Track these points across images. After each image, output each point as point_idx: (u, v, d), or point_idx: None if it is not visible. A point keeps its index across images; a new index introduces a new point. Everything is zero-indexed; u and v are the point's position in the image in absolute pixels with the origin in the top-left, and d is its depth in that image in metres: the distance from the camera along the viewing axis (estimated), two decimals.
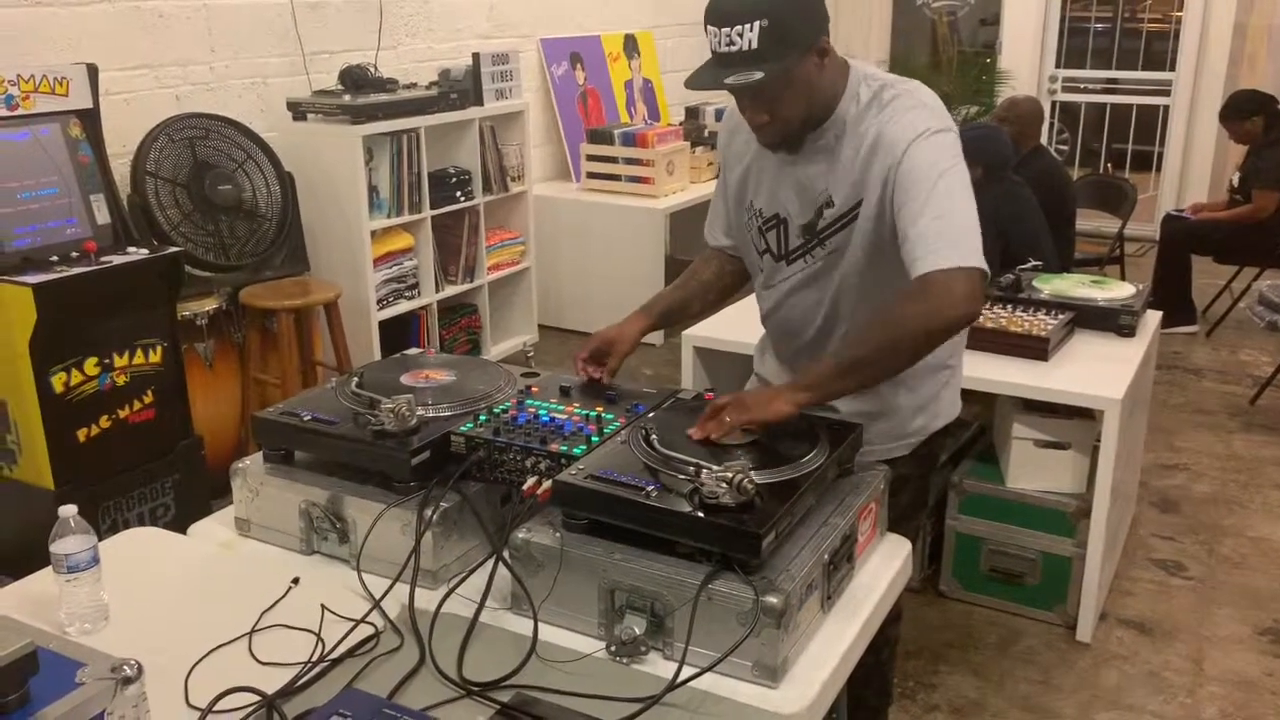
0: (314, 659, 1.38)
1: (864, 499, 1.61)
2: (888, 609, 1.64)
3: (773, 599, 1.32)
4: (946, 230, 1.65)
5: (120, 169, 3.51)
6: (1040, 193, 4.00)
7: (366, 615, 1.47)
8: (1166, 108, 7.30)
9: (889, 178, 1.73)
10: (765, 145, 1.85)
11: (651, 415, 1.70)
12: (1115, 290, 3.22)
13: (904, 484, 1.96)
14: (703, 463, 1.43)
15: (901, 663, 2.68)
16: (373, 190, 4.26)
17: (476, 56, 4.70)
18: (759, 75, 1.65)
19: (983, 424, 3.36)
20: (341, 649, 1.40)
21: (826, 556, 1.46)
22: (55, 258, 2.99)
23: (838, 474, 1.63)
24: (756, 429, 1.61)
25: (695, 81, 1.74)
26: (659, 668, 1.38)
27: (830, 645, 1.45)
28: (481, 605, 1.47)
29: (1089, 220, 5.61)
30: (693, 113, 6.43)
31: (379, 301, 4.34)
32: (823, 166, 1.81)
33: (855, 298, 1.88)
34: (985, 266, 1.65)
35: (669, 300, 2.11)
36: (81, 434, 3.02)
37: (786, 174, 1.86)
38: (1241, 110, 5.42)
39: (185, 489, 3.27)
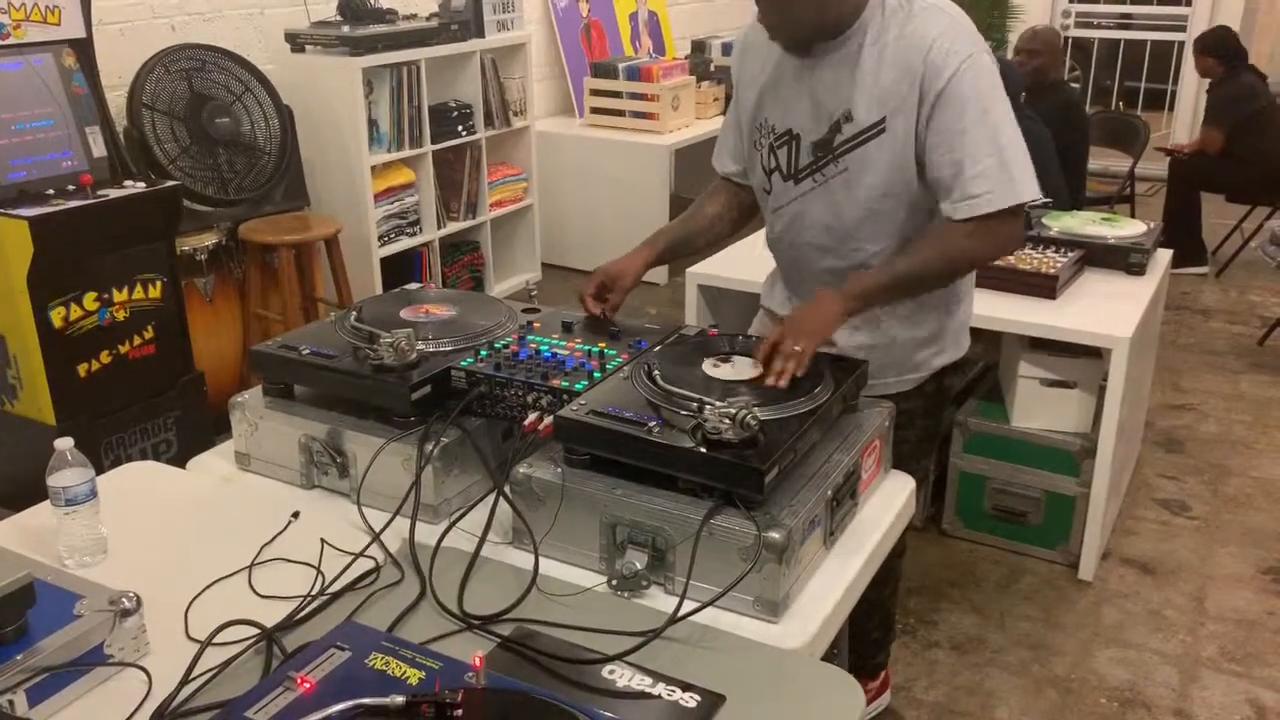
0: (314, 592, 1.37)
1: (868, 435, 1.60)
2: (891, 545, 1.63)
3: (775, 534, 1.31)
4: (1006, 166, 1.68)
5: (116, 101, 3.45)
6: (1058, 128, 3.93)
7: (366, 549, 1.46)
8: (1181, 44, 7.16)
9: (928, 101, 1.69)
10: (780, 45, 1.80)
11: (655, 351, 1.68)
12: (1126, 228, 3.17)
13: (911, 420, 1.94)
14: (706, 398, 1.41)
15: (903, 600, 2.69)
16: (373, 124, 4.20)
17: None
18: None
19: (989, 362, 3.34)
20: (341, 583, 1.39)
21: (829, 493, 1.45)
22: (51, 191, 2.95)
23: (842, 410, 1.61)
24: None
25: None
26: (660, 602, 1.37)
27: (832, 581, 1.44)
28: (483, 540, 1.46)
29: (1100, 158, 5.53)
30: (699, 47, 6.32)
31: (380, 238, 4.30)
32: (844, 77, 1.76)
33: (870, 222, 1.83)
34: (1039, 192, 1.72)
35: (674, 234, 2.07)
36: (82, 369, 3.01)
37: (804, 86, 1.81)
38: (1203, 48, 5.48)
39: (187, 424, 3.27)
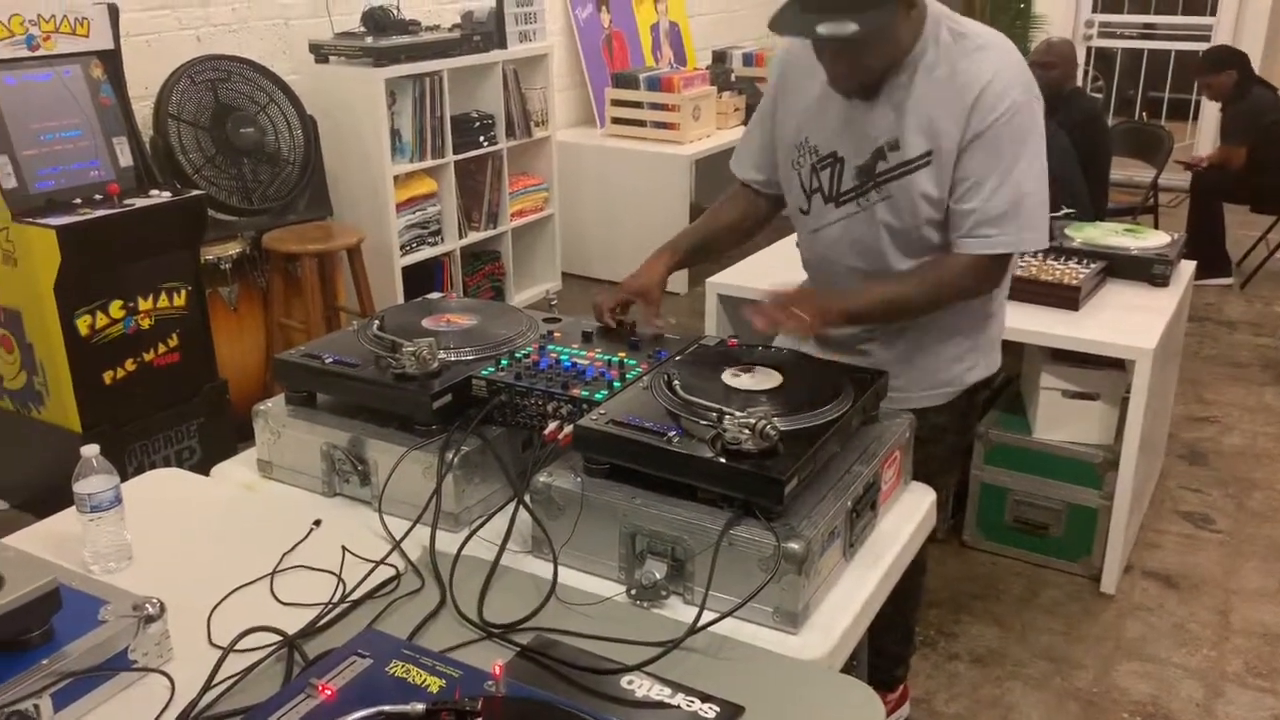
0: (335, 600, 1.38)
1: (888, 447, 1.59)
2: (910, 557, 1.63)
3: (794, 545, 1.31)
4: (1020, 215, 1.73)
5: (142, 111, 3.49)
6: (1078, 137, 3.91)
7: (387, 557, 1.47)
8: None
9: (967, 137, 1.71)
10: (841, 93, 1.80)
11: (674, 361, 1.68)
12: (1149, 239, 3.15)
13: (942, 435, 1.93)
14: (725, 408, 1.41)
15: (923, 612, 2.68)
16: (395, 134, 4.23)
17: None
18: (853, 28, 1.59)
19: (1010, 374, 3.32)
20: (362, 590, 1.40)
21: (849, 504, 1.45)
22: (79, 200, 2.98)
23: (862, 421, 1.61)
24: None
25: (781, 25, 1.67)
26: (679, 612, 1.37)
27: (851, 593, 1.44)
28: (503, 548, 1.46)
29: (1123, 169, 5.51)
30: (720, 57, 6.33)
31: (402, 247, 4.33)
32: (893, 107, 1.76)
33: (904, 245, 1.84)
34: (1044, 244, 1.80)
35: (693, 238, 2.07)
36: (107, 376, 3.04)
37: (852, 112, 1.81)
38: (1217, 63, 5.44)
39: (210, 432, 3.29)
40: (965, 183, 1.73)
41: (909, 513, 1.66)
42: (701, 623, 1.31)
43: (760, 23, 7.44)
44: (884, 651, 2.21)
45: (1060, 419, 2.95)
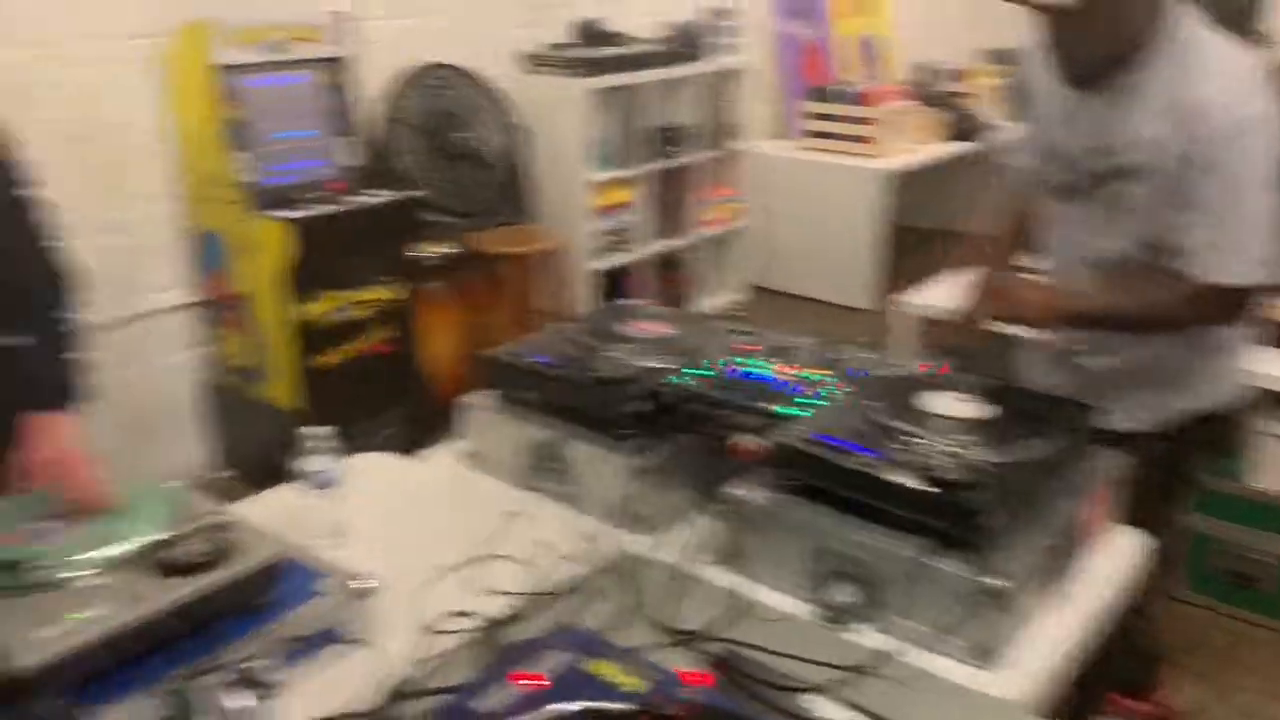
0: (532, 591, 1.42)
1: (1097, 484, 1.52)
2: (1119, 602, 1.55)
3: (995, 580, 1.27)
4: (1242, 242, 1.64)
5: (367, 114, 3.70)
6: None
7: (581, 554, 1.50)
8: None
9: (1189, 158, 1.63)
10: (1060, 75, 1.76)
11: (876, 380, 1.66)
12: None
13: (1154, 466, 1.82)
14: (930, 435, 1.39)
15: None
16: (597, 143, 4.33)
17: (701, 11, 4.68)
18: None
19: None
20: (556, 585, 1.44)
21: (1053, 541, 1.39)
22: (308, 196, 3.20)
23: (1071, 457, 1.55)
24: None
25: None
26: (867, 637, 1.35)
27: (1052, 634, 1.38)
28: (690, 556, 1.48)
29: None
30: (922, 71, 6.19)
31: (596, 253, 4.42)
32: (1117, 110, 1.71)
33: (1117, 257, 1.78)
34: (1257, 279, 1.67)
35: (1013, 244, 2.09)
36: (323, 361, 3.24)
37: (1077, 110, 1.77)
38: None
39: (412, 420, 3.46)
40: (1187, 206, 1.65)
41: (1117, 555, 1.58)
42: (891, 650, 1.29)
43: (966, 38, 7.10)
44: (1134, 650, 2.05)
45: (1278, 467, 2.74)
